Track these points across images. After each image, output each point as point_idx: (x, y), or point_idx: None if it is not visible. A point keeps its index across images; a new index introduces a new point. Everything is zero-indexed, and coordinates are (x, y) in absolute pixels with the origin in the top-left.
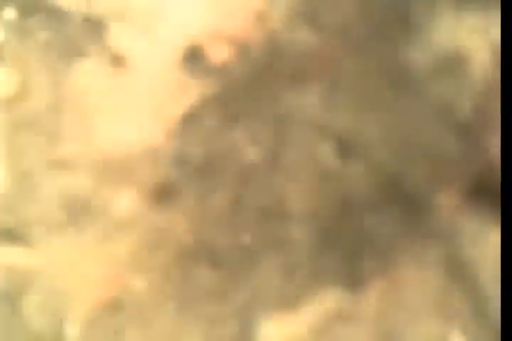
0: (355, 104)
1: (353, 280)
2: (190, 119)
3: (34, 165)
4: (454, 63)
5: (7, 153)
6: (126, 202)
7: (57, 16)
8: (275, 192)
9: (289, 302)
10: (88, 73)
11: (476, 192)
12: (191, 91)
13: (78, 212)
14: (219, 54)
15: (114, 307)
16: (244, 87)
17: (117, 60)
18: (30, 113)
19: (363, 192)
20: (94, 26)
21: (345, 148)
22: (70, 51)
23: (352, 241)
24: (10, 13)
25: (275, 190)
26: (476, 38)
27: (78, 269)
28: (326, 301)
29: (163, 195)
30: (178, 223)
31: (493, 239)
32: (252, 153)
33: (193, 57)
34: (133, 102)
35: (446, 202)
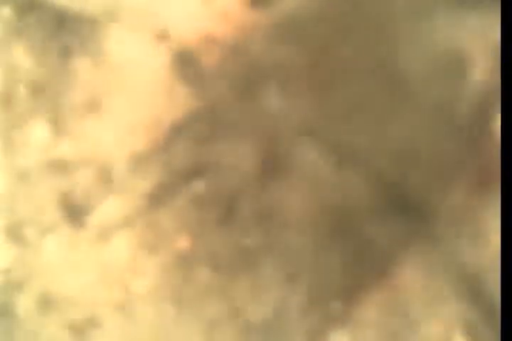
0: (349, 111)
1: (353, 287)
2: (180, 127)
3: (31, 165)
4: (453, 64)
5: (4, 152)
6: (120, 203)
7: (51, 15)
8: (271, 200)
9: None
10: (80, 74)
11: (476, 195)
12: (181, 96)
13: (74, 212)
14: (210, 58)
15: (113, 307)
16: (235, 94)
17: (109, 61)
18: (26, 112)
19: (361, 200)
20: (87, 26)
21: (341, 156)
22: (63, 50)
23: (352, 249)
24: (6, 12)
25: (271, 197)
26: (476, 38)
27: (75, 270)
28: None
29: (156, 197)
30: (174, 225)
31: (493, 242)
32: (244, 162)
33: (184, 61)
34: (122, 105)
35: (447, 206)
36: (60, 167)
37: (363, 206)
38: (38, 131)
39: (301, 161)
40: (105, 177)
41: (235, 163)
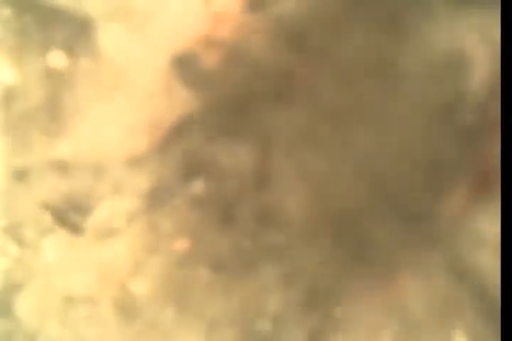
0: (348, 111)
1: (353, 288)
2: (179, 127)
3: (29, 165)
4: (453, 64)
5: (3, 152)
6: (119, 204)
7: (50, 16)
8: (270, 201)
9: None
10: (79, 74)
11: (476, 195)
12: (180, 97)
13: (73, 212)
14: (209, 59)
15: (113, 308)
16: (234, 95)
17: (108, 62)
18: (25, 111)
19: (361, 201)
20: (87, 27)
21: (340, 157)
22: (63, 50)
23: (351, 250)
24: (6, 12)
25: (270, 198)
26: (477, 38)
27: (74, 270)
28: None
29: (155, 198)
30: (173, 225)
31: (493, 242)
32: (243, 163)
33: (183, 63)
34: (121, 106)
35: (447, 207)
36: (59, 167)
37: (362, 207)
38: (37, 131)
39: (299, 162)
40: (104, 178)
41: (234, 164)
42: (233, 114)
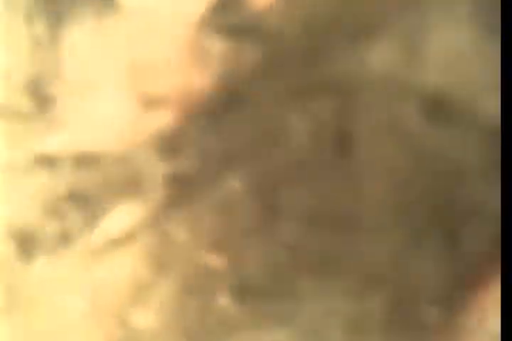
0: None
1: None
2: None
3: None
4: None
5: None
6: (122, 209)
7: None
8: (340, 193)
9: None
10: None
11: None
12: (214, 59)
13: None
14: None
15: None
16: (294, 45)
17: (118, 12)
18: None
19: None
20: None
21: (435, 109)
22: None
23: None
24: None
25: (341, 188)
26: None
27: (62, 297)
28: None
29: (168, 201)
30: (190, 236)
31: None
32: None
33: (222, 8)
34: (123, 82)
35: None
36: (48, 164)
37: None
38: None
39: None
40: (105, 176)
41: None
42: (298, 68)
